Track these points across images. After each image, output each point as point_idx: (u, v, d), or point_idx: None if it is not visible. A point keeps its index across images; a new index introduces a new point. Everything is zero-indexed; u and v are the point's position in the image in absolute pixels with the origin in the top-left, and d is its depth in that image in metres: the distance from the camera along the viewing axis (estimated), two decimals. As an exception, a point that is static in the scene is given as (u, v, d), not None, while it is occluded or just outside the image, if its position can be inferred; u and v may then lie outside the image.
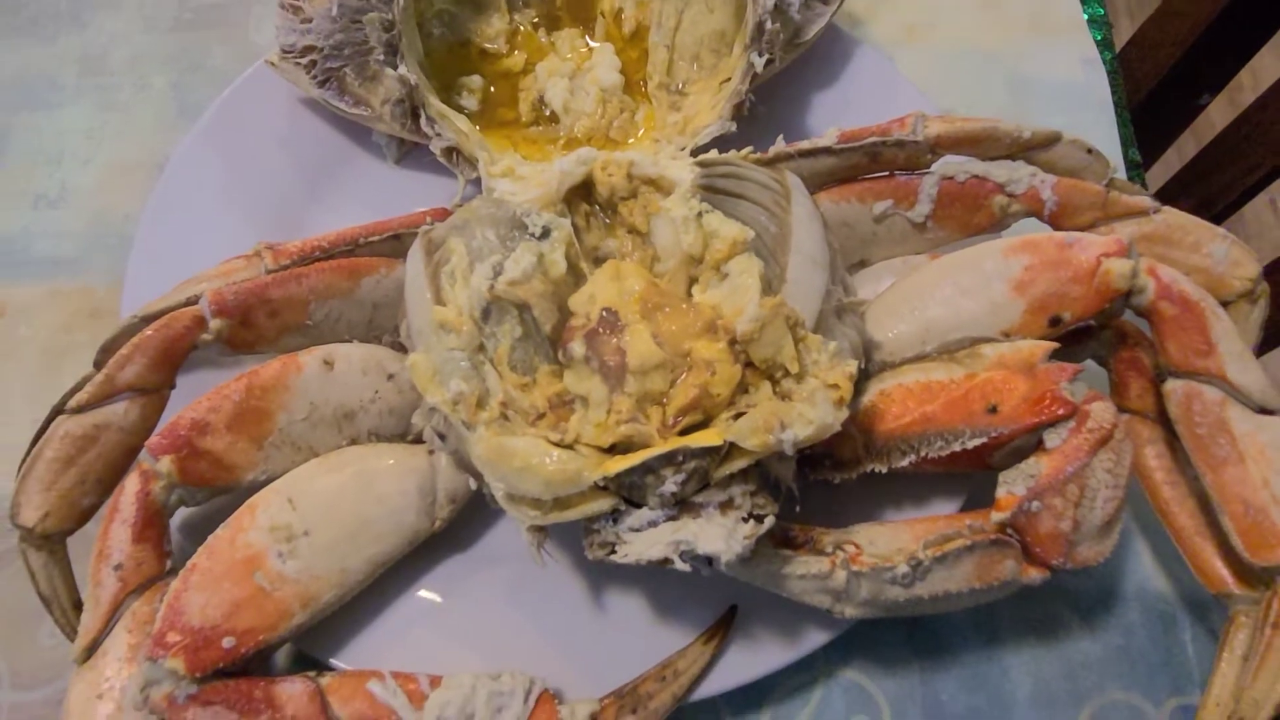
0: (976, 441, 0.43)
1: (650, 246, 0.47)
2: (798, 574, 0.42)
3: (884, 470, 0.45)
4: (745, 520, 0.40)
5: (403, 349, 0.50)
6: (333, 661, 0.45)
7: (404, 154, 0.61)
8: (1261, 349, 0.74)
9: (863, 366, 0.45)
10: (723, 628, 0.46)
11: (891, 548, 0.42)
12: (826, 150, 0.51)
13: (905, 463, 0.45)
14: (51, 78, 0.68)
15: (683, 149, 0.54)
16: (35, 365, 0.58)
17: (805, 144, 0.51)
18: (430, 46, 0.60)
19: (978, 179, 0.49)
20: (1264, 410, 0.43)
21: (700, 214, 0.44)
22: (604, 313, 0.42)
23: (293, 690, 0.41)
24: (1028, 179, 0.49)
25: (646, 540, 0.39)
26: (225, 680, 0.40)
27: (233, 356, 0.49)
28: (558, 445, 0.41)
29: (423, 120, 0.55)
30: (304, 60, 0.56)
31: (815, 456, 0.45)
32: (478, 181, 0.54)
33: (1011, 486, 0.42)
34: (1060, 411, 0.42)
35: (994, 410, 0.43)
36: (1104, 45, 0.69)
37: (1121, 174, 0.62)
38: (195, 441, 0.44)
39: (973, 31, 0.70)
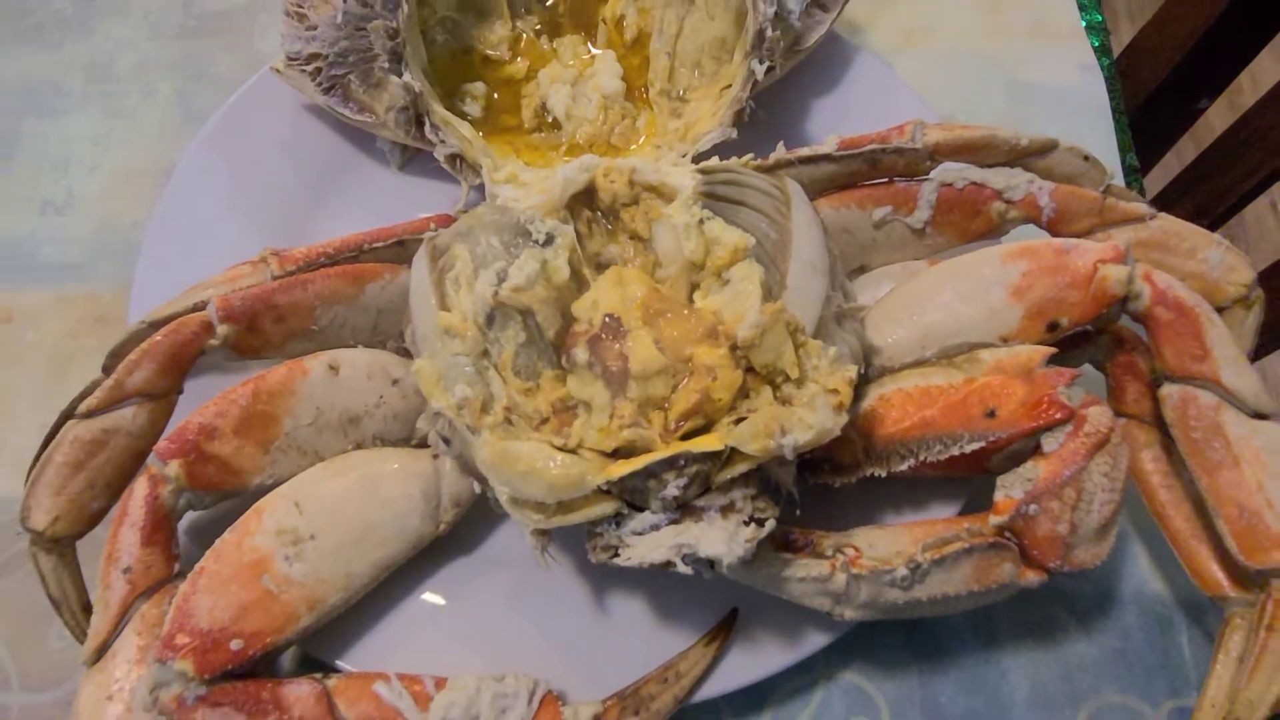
0: (975, 446, 0.44)
1: (652, 252, 0.48)
2: (798, 577, 0.42)
3: (883, 474, 0.46)
4: (746, 524, 0.40)
5: (407, 354, 0.50)
6: (339, 663, 0.46)
7: (407, 160, 0.61)
8: (1261, 351, 0.75)
9: (862, 371, 0.46)
10: (724, 630, 0.46)
11: (890, 551, 0.43)
12: (826, 157, 0.51)
13: (904, 467, 0.45)
14: (58, 84, 0.68)
15: (684, 156, 0.55)
16: (42, 370, 0.59)
17: (805, 151, 0.52)
18: (434, 53, 0.61)
19: (976, 186, 0.50)
20: (1258, 415, 0.44)
21: (702, 221, 0.45)
22: (606, 319, 0.43)
23: (300, 692, 0.41)
24: (1025, 186, 0.49)
25: (649, 543, 0.40)
26: (233, 682, 0.41)
27: (239, 362, 0.49)
28: (561, 450, 0.41)
29: (427, 127, 0.55)
30: (309, 67, 0.57)
31: (815, 460, 0.45)
32: (481, 188, 0.55)
33: (1009, 490, 0.43)
34: (1057, 416, 0.43)
35: (992, 415, 0.44)
36: (1102, 51, 0.70)
37: (1119, 180, 0.63)
38: (203, 446, 0.44)
39: (972, 37, 0.70)
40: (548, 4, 0.64)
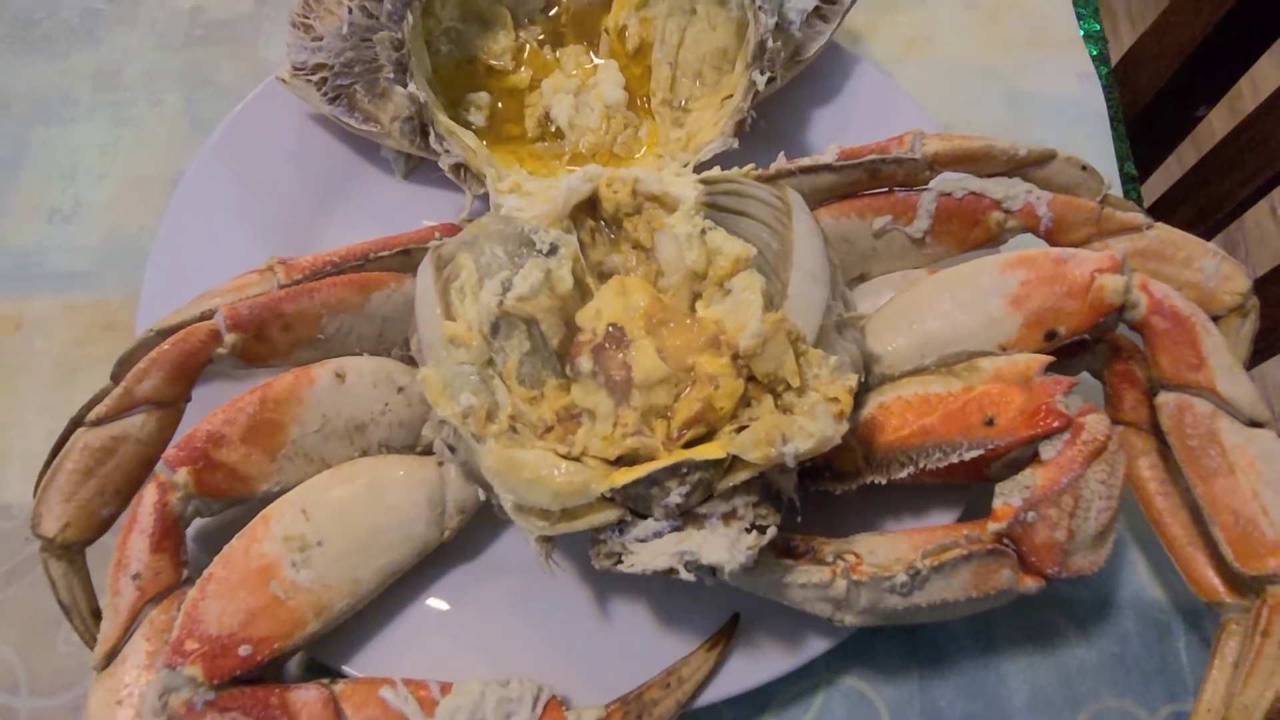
0: (974, 453, 0.44)
1: (654, 261, 0.48)
2: (799, 583, 0.43)
3: (883, 482, 0.46)
4: (748, 531, 0.41)
5: (412, 362, 0.51)
6: (345, 668, 0.46)
7: (411, 169, 0.62)
8: (1261, 356, 0.76)
9: (862, 380, 0.46)
10: (725, 635, 0.47)
11: (890, 557, 0.43)
12: (827, 167, 0.52)
13: (904, 474, 0.46)
14: (65, 93, 0.69)
15: (686, 165, 0.55)
16: (50, 378, 0.59)
17: (806, 161, 0.52)
18: (438, 63, 0.61)
19: (975, 195, 0.50)
20: (1253, 423, 0.44)
21: (704, 231, 0.46)
22: (610, 328, 0.43)
23: (307, 697, 0.42)
24: (1024, 195, 0.50)
25: (652, 550, 0.41)
26: (242, 687, 0.41)
27: (246, 370, 0.50)
28: (565, 458, 0.42)
29: (431, 137, 0.56)
30: (315, 77, 0.58)
31: (816, 468, 0.46)
32: (485, 197, 0.55)
33: (1008, 497, 0.43)
34: (1055, 424, 0.43)
35: (991, 423, 0.44)
36: (1100, 60, 0.71)
37: (1117, 188, 0.64)
38: (211, 453, 0.45)
39: (971, 47, 0.71)
40: (551, 14, 0.64)
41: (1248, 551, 0.43)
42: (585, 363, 0.43)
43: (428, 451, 0.49)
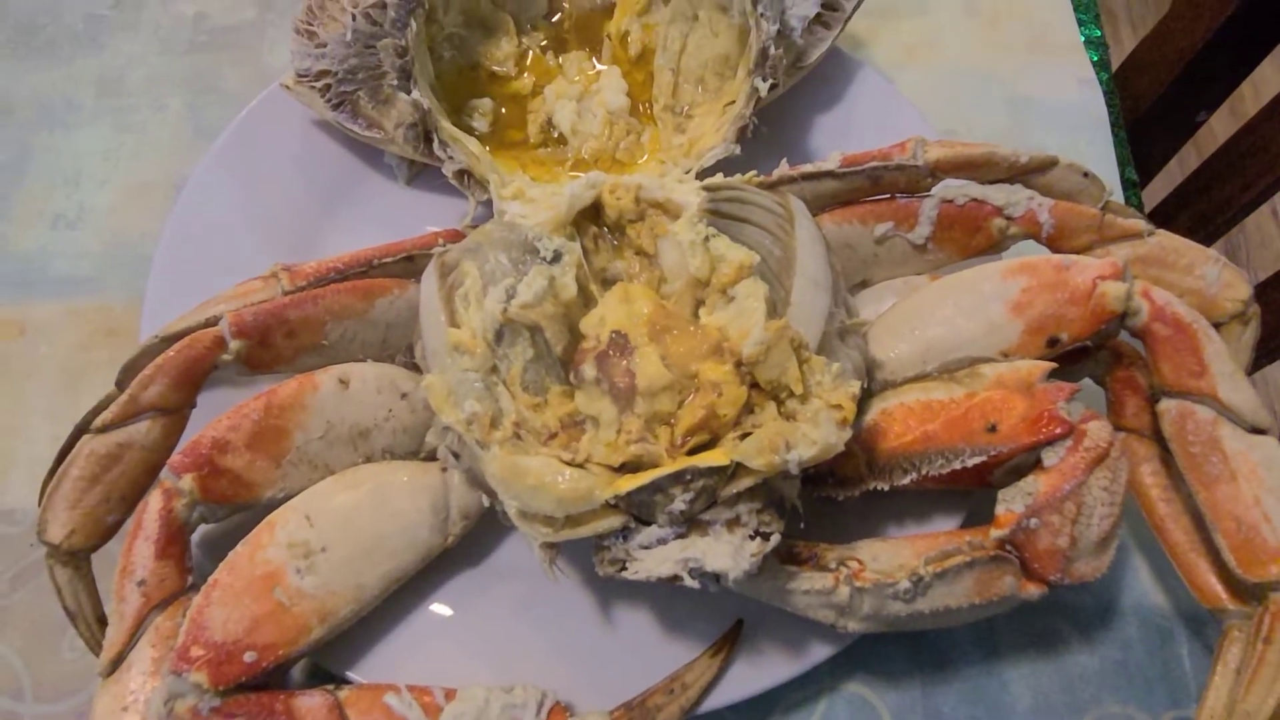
0: (976, 460, 0.44)
1: (657, 268, 0.48)
2: (802, 589, 0.43)
3: (886, 488, 0.46)
4: (752, 538, 0.41)
5: (415, 368, 0.51)
6: (349, 675, 0.47)
7: (415, 175, 0.62)
8: (1264, 359, 0.76)
9: (865, 386, 0.47)
10: (729, 642, 0.47)
11: (893, 564, 0.43)
12: (829, 174, 0.52)
13: (907, 480, 0.46)
14: (69, 99, 0.69)
15: (688, 171, 0.56)
16: (54, 383, 0.60)
17: (808, 167, 0.52)
18: (440, 69, 0.61)
19: (976, 202, 0.50)
20: (1255, 430, 0.44)
21: (707, 238, 0.46)
22: (613, 335, 0.44)
23: (312, 703, 0.42)
24: (1025, 202, 0.50)
25: (656, 557, 0.41)
26: (247, 694, 0.42)
27: (250, 377, 0.50)
28: (569, 464, 0.42)
29: (435, 144, 0.56)
30: (318, 84, 0.58)
31: (819, 474, 0.46)
32: (488, 203, 0.55)
33: (1010, 504, 0.43)
34: (1058, 431, 0.43)
35: (993, 429, 0.44)
36: (1100, 66, 0.71)
37: (1118, 193, 0.64)
38: (216, 460, 0.45)
39: (972, 53, 0.71)
40: (553, 20, 0.64)
41: (1250, 558, 0.43)
42: (589, 370, 0.43)
43: (431, 457, 0.50)
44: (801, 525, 0.44)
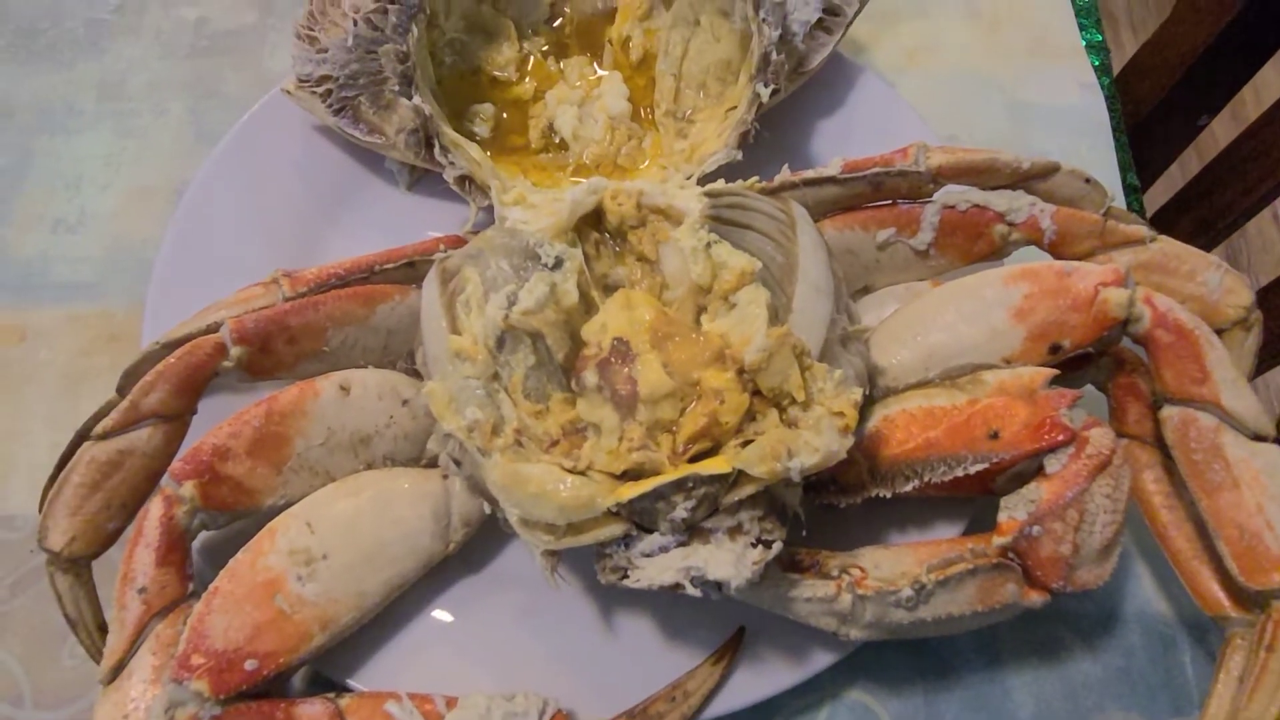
0: (978, 467, 0.44)
1: (659, 274, 0.48)
2: (804, 597, 0.43)
3: (888, 495, 0.46)
4: (754, 545, 0.41)
5: (416, 374, 0.51)
6: (350, 682, 0.46)
7: (416, 180, 0.62)
8: (1266, 364, 0.76)
9: (867, 393, 0.46)
10: (731, 649, 0.47)
11: (896, 571, 0.43)
12: (831, 180, 0.52)
13: (909, 488, 0.46)
14: (70, 103, 0.69)
15: (689, 177, 0.56)
16: (55, 389, 0.59)
17: (810, 173, 0.52)
18: (441, 75, 0.61)
19: (979, 208, 0.50)
20: (1257, 437, 0.44)
21: (709, 245, 0.46)
22: (615, 342, 0.44)
23: (313, 711, 0.42)
24: (1027, 208, 0.50)
25: (658, 565, 0.41)
26: (247, 702, 0.42)
27: (251, 384, 0.50)
28: (571, 472, 0.42)
29: (436, 149, 0.56)
30: (320, 89, 0.58)
31: (821, 481, 0.46)
32: (490, 208, 0.55)
33: (1013, 511, 0.43)
34: (1060, 438, 0.43)
35: (995, 436, 0.44)
36: (1102, 70, 0.71)
37: (1119, 198, 0.64)
38: (217, 467, 0.45)
39: (973, 57, 0.71)
40: (554, 25, 0.64)
41: (1253, 566, 0.43)
42: (590, 377, 0.43)
43: (432, 464, 0.49)
44: (803, 533, 0.44)
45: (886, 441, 0.46)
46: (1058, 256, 0.50)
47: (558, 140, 0.61)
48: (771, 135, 0.59)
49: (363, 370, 0.50)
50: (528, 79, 0.63)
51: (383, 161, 0.62)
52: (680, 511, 0.40)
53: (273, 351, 0.49)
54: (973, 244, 0.51)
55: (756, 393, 0.43)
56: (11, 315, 0.62)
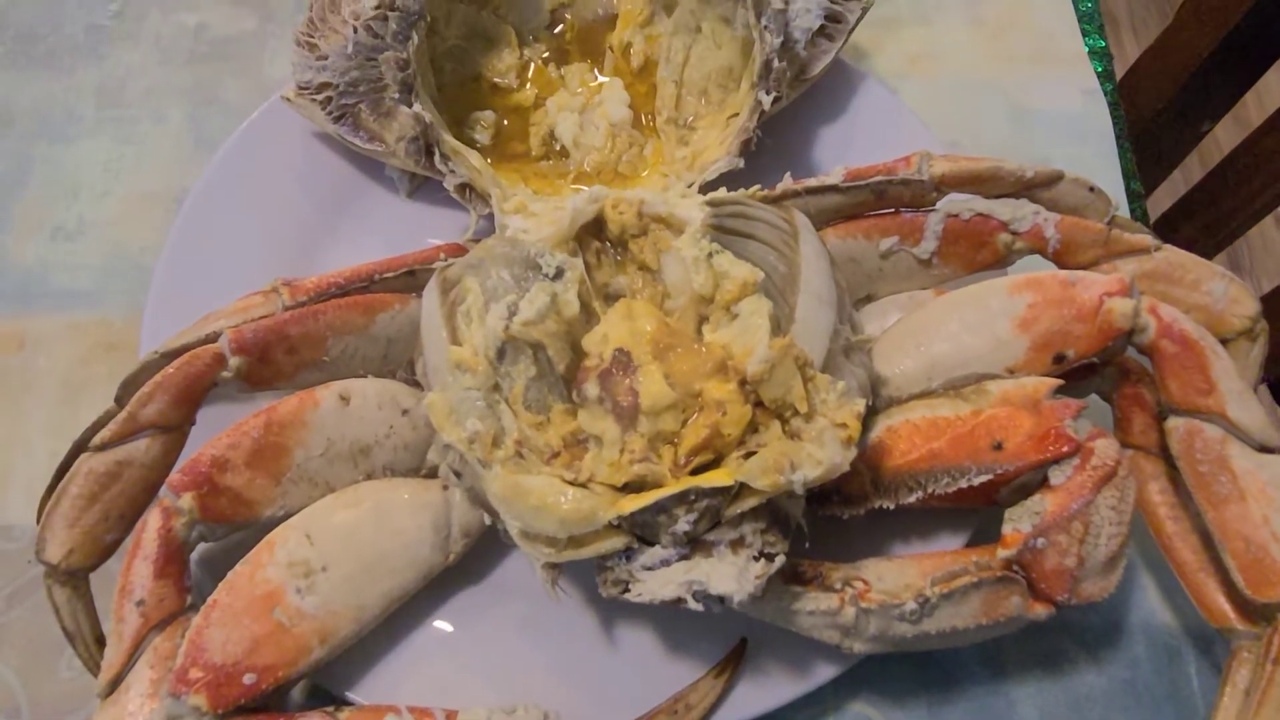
0: (982, 478, 0.44)
1: (660, 283, 0.48)
2: (807, 610, 0.43)
3: (891, 506, 0.46)
4: (756, 559, 0.40)
5: (416, 384, 0.51)
6: (349, 695, 0.46)
7: (416, 187, 0.62)
8: (1271, 371, 0.75)
9: (870, 403, 0.46)
10: (733, 661, 0.47)
11: (899, 584, 0.43)
12: (833, 188, 0.51)
13: (912, 499, 0.45)
14: (69, 110, 0.69)
15: (691, 185, 0.55)
16: (53, 398, 0.59)
17: (812, 181, 0.52)
18: (442, 81, 0.61)
19: (982, 217, 0.50)
20: (1264, 449, 0.44)
21: (711, 255, 0.45)
22: (617, 353, 0.43)
23: (312, 726, 0.41)
24: (1031, 217, 0.49)
25: (659, 580, 0.40)
26: (246, 716, 0.41)
27: (250, 393, 0.50)
28: (572, 484, 0.41)
29: (436, 157, 0.56)
30: (319, 96, 0.58)
31: (824, 492, 0.45)
32: (490, 216, 0.55)
33: (1017, 524, 0.43)
34: (1065, 449, 0.43)
35: (999, 447, 0.44)
36: (1104, 77, 0.70)
37: (1122, 204, 0.64)
38: (216, 478, 0.45)
39: (975, 63, 0.71)
40: (555, 31, 0.64)
41: (1259, 579, 0.42)
42: (592, 389, 0.43)
43: (432, 474, 0.49)
44: (806, 545, 0.43)
45: (890, 452, 0.46)
46: (1062, 265, 0.50)
47: (559, 147, 0.61)
48: (773, 142, 0.59)
49: (362, 380, 0.50)
50: (528, 86, 0.63)
51: (383, 169, 0.61)
52: (682, 524, 0.40)
53: (272, 361, 0.48)
54: (976, 253, 0.51)
55: (759, 404, 0.42)
56: (10, 323, 0.61)
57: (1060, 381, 0.45)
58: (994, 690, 0.50)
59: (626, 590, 0.41)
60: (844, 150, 0.61)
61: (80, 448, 0.46)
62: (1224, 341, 0.47)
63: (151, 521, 0.44)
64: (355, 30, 0.55)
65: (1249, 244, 1.37)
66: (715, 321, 0.45)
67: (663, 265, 0.48)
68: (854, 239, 0.52)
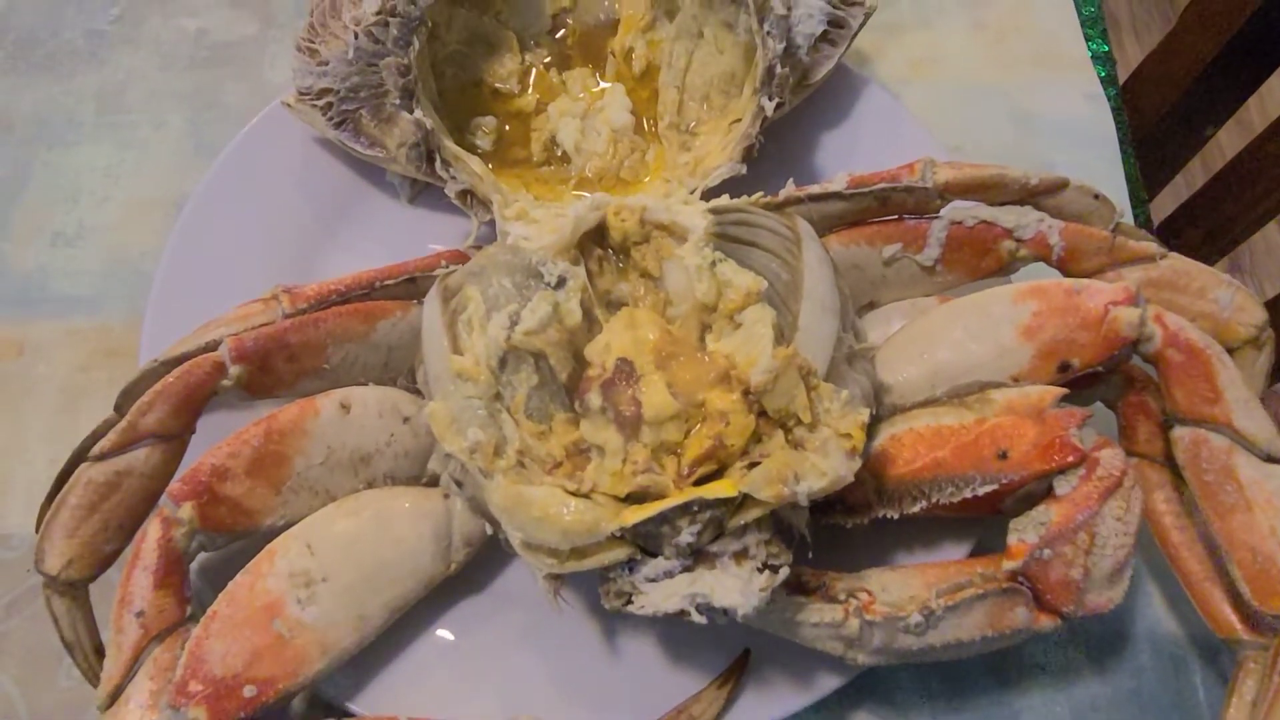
0: (987, 488, 0.44)
1: (663, 290, 0.48)
2: (811, 622, 0.42)
3: (895, 516, 0.46)
4: (760, 570, 0.40)
5: (418, 391, 0.50)
6: (349, 706, 0.46)
7: (417, 193, 0.62)
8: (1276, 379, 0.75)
9: (874, 412, 0.46)
10: (737, 672, 0.46)
11: (904, 595, 0.43)
12: (837, 195, 0.51)
13: (916, 508, 0.45)
14: (70, 115, 0.68)
15: (693, 191, 0.55)
16: (53, 404, 0.59)
17: (815, 188, 0.52)
18: (443, 86, 0.61)
19: (986, 224, 0.50)
20: (1270, 458, 0.44)
21: (714, 263, 0.45)
22: (619, 362, 0.43)
23: (312, 738, 0.41)
24: (1035, 224, 0.49)
25: (663, 592, 0.40)
26: (246, 728, 0.41)
27: (250, 402, 0.49)
28: (574, 494, 0.41)
29: (438, 163, 0.56)
30: (320, 102, 0.57)
31: (828, 502, 0.45)
32: (492, 222, 0.55)
33: (1023, 534, 0.43)
34: (1070, 459, 0.43)
35: (1004, 456, 0.44)
36: (1108, 81, 0.70)
37: (1125, 208, 0.63)
38: (216, 488, 0.44)
39: (978, 67, 0.70)
40: (557, 36, 0.64)
41: (1266, 589, 0.42)
42: (594, 399, 0.42)
43: (433, 482, 0.49)
44: (809, 555, 0.43)
45: (893, 461, 0.46)
46: (1066, 273, 0.50)
47: (560, 153, 0.61)
48: (775, 147, 0.59)
49: (363, 388, 0.49)
50: (530, 91, 0.63)
51: (383, 174, 0.61)
52: (685, 535, 0.40)
53: (272, 370, 0.48)
54: (980, 260, 0.51)
55: (762, 413, 0.42)
56: (9, 329, 0.61)
57: (1065, 390, 0.45)
58: (999, 700, 0.50)
59: (629, 603, 0.41)
60: (846, 155, 0.61)
61: (80, 457, 0.46)
62: (1230, 350, 0.47)
63: (151, 531, 0.44)
64: (356, 36, 0.55)
65: (1251, 247, 1.37)
66: (718, 330, 0.45)
67: (665, 272, 0.48)
68: (857, 245, 0.52)
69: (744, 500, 0.40)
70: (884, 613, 0.42)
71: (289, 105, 0.59)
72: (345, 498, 0.47)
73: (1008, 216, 0.50)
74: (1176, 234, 0.81)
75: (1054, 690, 0.50)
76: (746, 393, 0.42)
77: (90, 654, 0.47)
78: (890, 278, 0.52)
